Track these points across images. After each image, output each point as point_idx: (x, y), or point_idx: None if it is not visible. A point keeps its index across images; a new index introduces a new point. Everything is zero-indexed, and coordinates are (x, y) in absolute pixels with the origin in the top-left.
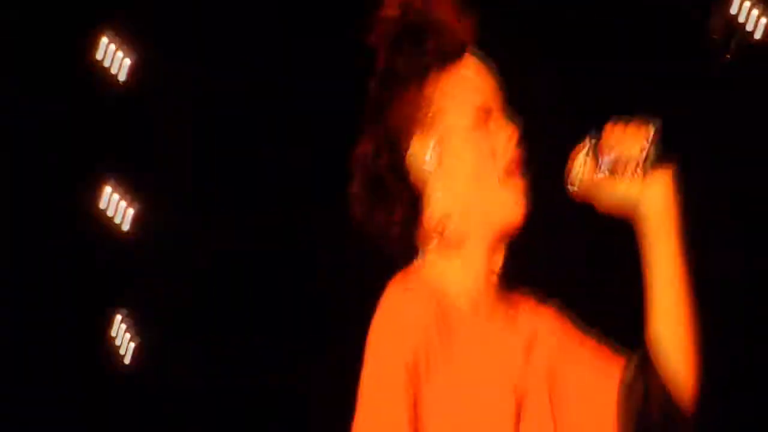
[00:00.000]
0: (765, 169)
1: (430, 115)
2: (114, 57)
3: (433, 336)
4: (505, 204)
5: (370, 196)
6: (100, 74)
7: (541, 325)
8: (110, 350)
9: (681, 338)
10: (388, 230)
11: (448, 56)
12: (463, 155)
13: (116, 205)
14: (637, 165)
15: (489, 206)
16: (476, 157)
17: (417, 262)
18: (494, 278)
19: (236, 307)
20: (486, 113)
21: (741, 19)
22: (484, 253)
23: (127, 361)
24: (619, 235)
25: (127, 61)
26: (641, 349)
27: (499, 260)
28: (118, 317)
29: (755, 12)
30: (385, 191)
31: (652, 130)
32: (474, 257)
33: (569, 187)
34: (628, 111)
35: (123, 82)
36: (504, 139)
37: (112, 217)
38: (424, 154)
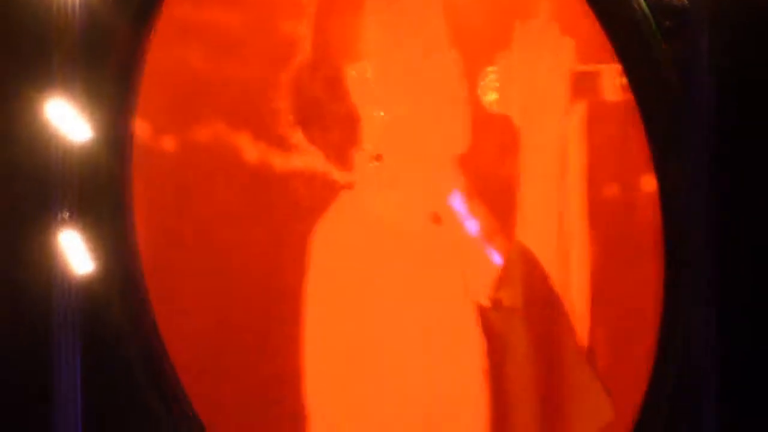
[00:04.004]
0: None
1: (367, 37)
2: None
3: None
4: (449, 131)
5: (306, 116)
6: None
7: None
8: None
9: None
10: (325, 150)
11: None
12: (405, 81)
13: None
14: None
15: (432, 134)
16: (418, 83)
17: (342, 196)
18: (434, 211)
19: None
20: (429, 43)
21: None
22: (425, 183)
23: None
24: None
25: None
26: None
27: (437, 190)
28: None
29: None
30: (322, 110)
31: None
32: (413, 187)
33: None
34: None
35: None
36: (447, 67)
37: None
38: (364, 75)
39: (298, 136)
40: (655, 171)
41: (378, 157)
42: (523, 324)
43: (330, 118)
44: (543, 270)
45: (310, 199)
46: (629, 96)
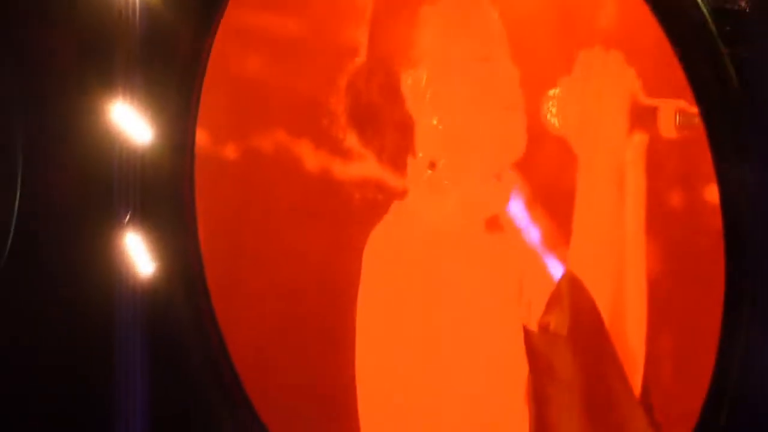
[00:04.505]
0: None
1: (422, 46)
2: None
3: (423, 269)
4: (505, 138)
5: (362, 119)
6: None
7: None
8: None
9: None
10: (379, 155)
11: None
12: (460, 89)
13: None
14: None
15: (487, 142)
16: (474, 92)
17: (394, 207)
18: (487, 217)
19: None
20: (485, 52)
21: None
22: (480, 193)
23: None
24: None
25: None
26: None
27: (491, 198)
28: None
29: None
30: (377, 115)
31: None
32: (469, 197)
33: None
34: None
35: None
36: (504, 78)
37: None
38: (419, 83)
39: (352, 139)
40: (717, 180)
41: (432, 165)
42: (568, 350)
43: (385, 124)
44: (592, 301)
45: (368, 206)
46: (688, 134)
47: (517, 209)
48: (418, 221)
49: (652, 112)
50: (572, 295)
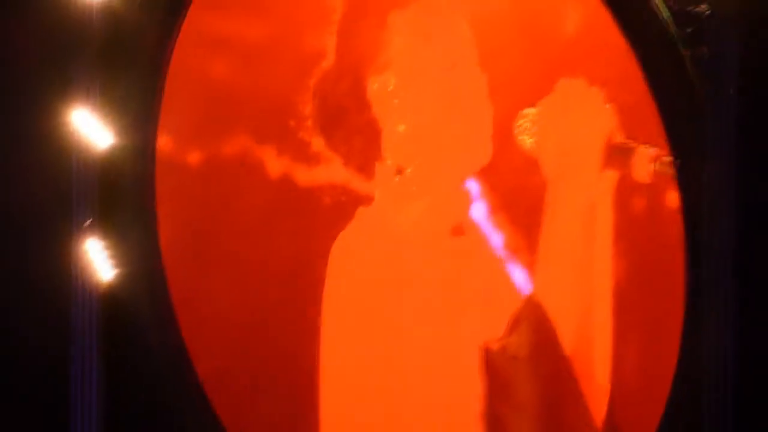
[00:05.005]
0: None
1: (390, 51)
2: None
3: (389, 272)
4: (471, 146)
5: (329, 123)
6: None
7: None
8: None
9: None
10: (345, 158)
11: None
12: (427, 97)
13: None
14: None
15: (454, 149)
16: (441, 100)
17: (360, 212)
18: (453, 221)
19: None
20: (452, 60)
21: None
22: (446, 200)
23: None
24: None
25: None
26: None
27: (457, 205)
28: None
29: None
30: (344, 119)
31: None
32: (435, 203)
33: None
34: None
35: None
36: (471, 86)
37: None
38: (386, 89)
39: (319, 143)
40: (678, 184)
41: (399, 171)
42: (526, 373)
43: (352, 128)
44: (553, 327)
45: (333, 211)
46: (660, 181)
47: (481, 215)
48: (384, 226)
49: (628, 153)
50: (533, 319)
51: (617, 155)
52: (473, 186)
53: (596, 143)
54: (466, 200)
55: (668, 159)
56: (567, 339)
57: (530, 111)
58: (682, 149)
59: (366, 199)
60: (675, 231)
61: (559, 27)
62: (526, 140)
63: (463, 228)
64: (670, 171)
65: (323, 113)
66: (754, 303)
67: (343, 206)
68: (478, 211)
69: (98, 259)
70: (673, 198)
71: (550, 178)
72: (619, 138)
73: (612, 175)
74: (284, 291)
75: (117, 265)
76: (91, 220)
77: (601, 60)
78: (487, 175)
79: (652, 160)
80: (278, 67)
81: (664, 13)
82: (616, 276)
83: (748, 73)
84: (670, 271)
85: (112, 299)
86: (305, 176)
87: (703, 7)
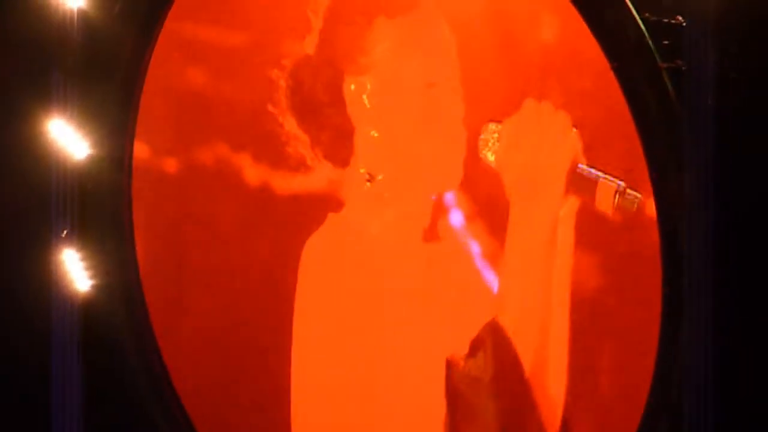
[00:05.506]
0: None
1: (372, 56)
2: None
3: (358, 277)
4: (440, 168)
5: (302, 106)
6: None
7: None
8: None
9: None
10: (316, 142)
11: (398, 9)
12: (402, 109)
13: None
14: None
15: (423, 166)
16: (416, 115)
17: (330, 217)
18: (420, 229)
19: None
20: (433, 78)
21: None
22: (416, 209)
23: None
24: None
25: None
26: None
27: (427, 214)
28: None
29: None
30: (318, 112)
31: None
32: (405, 211)
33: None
34: None
35: None
36: (448, 108)
37: None
38: (362, 91)
39: (290, 122)
40: (654, 194)
41: (371, 178)
42: (489, 395)
43: (324, 117)
44: (514, 350)
45: (309, 219)
46: (620, 217)
47: (457, 223)
48: (354, 233)
49: (591, 183)
50: (496, 342)
51: (580, 183)
52: (450, 194)
53: (560, 168)
54: (439, 210)
55: (632, 194)
56: (528, 362)
57: (494, 126)
58: (659, 160)
59: (336, 207)
60: (652, 241)
61: (536, 38)
62: (488, 156)
63: (438, 235)
64: (633, 207)
65: (297, 96)
66: (731, 315)
67: (318, 214)
68: (455, 219)
69: (75, 270)
70: (650, 208)
71: (512, 199)
72: (584, 165)
73: (574, 200)
74: (262, 300)
75: (94, 276)
76: (67, 230)
77: (577, 71)
78: (463, 182)
79: (615, 193)
80: (255, 75)
81: (641, 23)
82: (592, 287)
83: (725, 85)
84: (647, 282)
85: (90, 310)
86: (283, 184)
87: (679, 18)
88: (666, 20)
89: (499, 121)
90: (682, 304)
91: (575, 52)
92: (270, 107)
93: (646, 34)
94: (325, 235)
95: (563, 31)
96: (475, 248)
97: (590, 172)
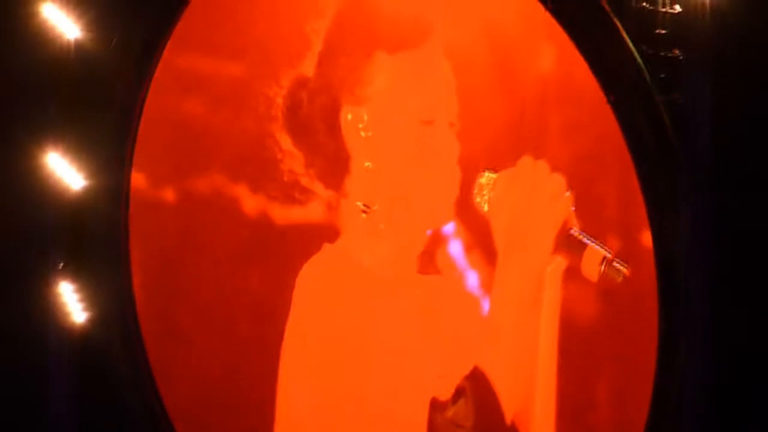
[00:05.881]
0: None
1: (371, 88)
2: None
3: (351, 308)
4: (435, 209)
5: (297, 126)
6: None
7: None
8: None
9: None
10: (307, 167)
11: (399, 45)
12: (397, 143)
13: None
14: None
15: (419, 205)
16: (410, 150)
17: (326, 247)
18: (414, 261)
19: None
20: (430, 116)
21: None
22: (410, 241)
23: None
24: None
25: None
26: None
27: (421, 246)
28: None
29: None
30: (313, 135)
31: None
32: (399, 243)
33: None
34: None
35: None
36: (443, 148)
37: None
38: (359, 121)
39: (286, 141)
40: (651, 226)
41: (367, 209)
42: None
43: (320, 140)
44: (497, 399)
45: (305, 248)
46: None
47: (456, 253)
48: (349, 263)
49: (579, 248)
50: (477, 391)
51: (569, 246)
52: (449, 224)
53: (549, 229)
54: (437, 241)
55: (619, 266)
56: (512, 410)
57: (490, 175)
58: (655, 193)
59: (331, 237)
60: (649, 275)
61: (534, 71)
62: (482, 204)
63: (436, 267)
64: (618, 278)
65: (294, 116)
66: (727, 348)
67: (314, 244)
68: (454, 250)
69: (71, 302)
70: (647, 241)
71: (500, 250)
72: (576, 229)
73: (561, 263)
74: (258, 329)
75: (90, 308)
76: (63, 262)
77: (574, 104)
78: (462, 212)
79: (601, 262)
80: (252, 106)
81: (639, 57)
82: (590, 320)
83: (721, 117)
84: (644, 316)
85: (86, 342)
86: (280, 214)
87: (677, 52)
88: (663, 53)
89: (495, 170)
90: (679, 337)
91: (573, 84)
92: (267, 124)
93: (644, 67)
94: (319, 263)
95: (561, 65)
96: (474, 279)
97: (581, 236)
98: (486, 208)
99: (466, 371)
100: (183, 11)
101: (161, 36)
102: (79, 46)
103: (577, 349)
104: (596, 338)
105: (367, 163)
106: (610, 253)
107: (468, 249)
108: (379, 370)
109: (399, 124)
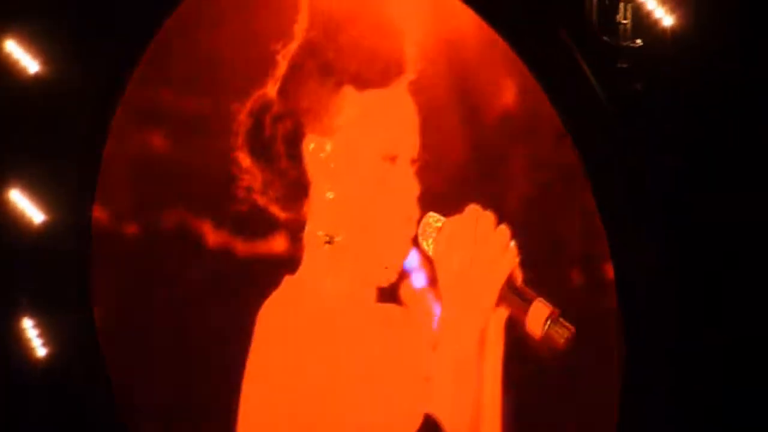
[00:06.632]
0: None
1: (336, 121)
2: None
3: (309, 345)
4: (392, 244)
5: (258, 146)
6: None
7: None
8: None
9: None
10: (265, 188)
11: (369, 83)
12: (359, 177)
13: None
14: None
15: (377, 239)
16: (372, 186)
17: (286, 280)
18: (374, 292)
19: None
20: (393, 152)
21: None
22: (370, 274)
23: None
24: None
25: None
26: None
27: (382, 278)
28: None
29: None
30: (274, 159)
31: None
32: (360, 275)
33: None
34: None
35: None
36: (403, 188)
37: None
38: (321, 151)
39: (246, 160)
40: (612, 259)
41: (330, 240)
42: None
43: (281, 166)
44: None
45: (268, 281)
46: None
47: (419, 285)
48: (309, 294)
49: (525, 303)
50: None
51: (514, 299)
52: (413, 257)
53: (493, 282)
54: (399, 274)
55: (564, 326)
56: None
57: (437, 219)
58: (615, 222)
59: (291, 269)
60: (609, 305)
61: (497, 107)
62: (427, 247)
63: (400, 298)
64: (562, 338)
65: (255, 137)
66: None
67: (277, 276)
68: (417, 282)
69: (33, 338)
70: (608, 271)
71: (444, 297)
72: (522, 284)
73: (502, 314)
74: (220, 362)
75: (52, 342)
76: (25, 298)
77: (537, 138)
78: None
79: (548, 318)
80: (216, 132)
81: (600, 92)
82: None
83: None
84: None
85: (49, 376)
86: (243, 247)
87: (638, 42)
88: (625, 43)
89: (441, 215)
90: (641, 370)
91: (535, 119)
92: (228, 142)
93: (605, 102)
94: (278, 302)
95: (523, 100)
96: (437, 310)
97: (525, 292)
98: (431, 252)
99: (421, 405)
100: (147, 46)
101: (125, 70)
102: (41, 80)
103: (534, 389)
104: (555, 379)
105: (329, 194)
106: (557, 311)
107: (432, 282)
108: (340, 404)
109: (362, 158)
